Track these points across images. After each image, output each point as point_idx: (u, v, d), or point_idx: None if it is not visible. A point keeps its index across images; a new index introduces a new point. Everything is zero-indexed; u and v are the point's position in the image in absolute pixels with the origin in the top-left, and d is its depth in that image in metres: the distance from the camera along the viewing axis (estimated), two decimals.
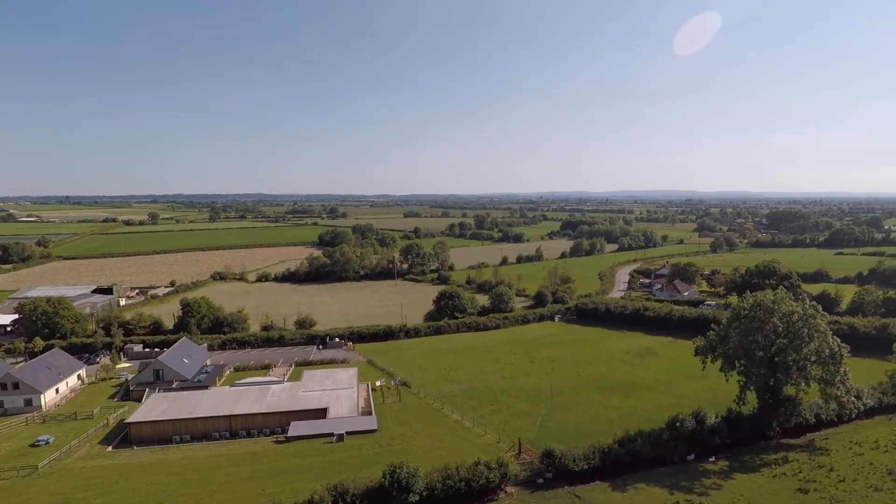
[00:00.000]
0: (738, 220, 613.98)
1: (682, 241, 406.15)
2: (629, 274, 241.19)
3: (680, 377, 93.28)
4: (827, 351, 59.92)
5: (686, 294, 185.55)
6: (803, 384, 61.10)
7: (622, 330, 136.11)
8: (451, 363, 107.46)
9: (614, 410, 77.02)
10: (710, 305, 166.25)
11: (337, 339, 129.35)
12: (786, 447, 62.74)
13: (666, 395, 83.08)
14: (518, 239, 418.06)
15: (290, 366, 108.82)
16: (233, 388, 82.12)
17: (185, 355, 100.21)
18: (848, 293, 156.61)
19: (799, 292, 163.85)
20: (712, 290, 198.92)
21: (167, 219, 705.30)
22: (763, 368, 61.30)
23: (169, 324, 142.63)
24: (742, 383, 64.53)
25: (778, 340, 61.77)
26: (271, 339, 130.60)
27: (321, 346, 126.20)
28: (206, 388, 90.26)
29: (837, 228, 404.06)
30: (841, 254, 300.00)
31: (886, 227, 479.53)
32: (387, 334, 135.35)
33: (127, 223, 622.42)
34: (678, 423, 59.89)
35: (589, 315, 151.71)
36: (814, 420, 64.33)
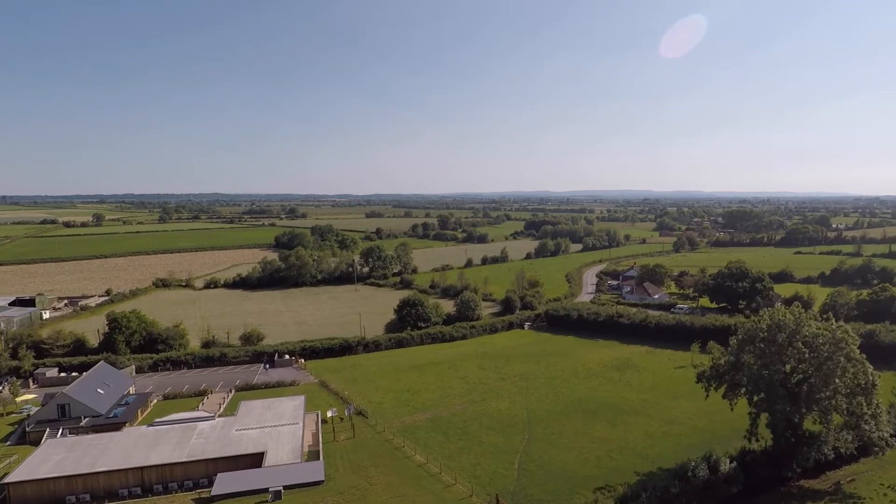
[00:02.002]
0: (696, 220, 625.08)
1: (644, 241, 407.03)
2: (596, 276, 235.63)
3: (666, 396, 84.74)
4: (863, 381, 51.54)
5: (656, 297, 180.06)
6: (834, 418, 52.13)
7: (596, 338, 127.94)
8: (414, 383, 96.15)
9: (601, 444, 67.22)
10: (681, 309, 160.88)
11: (287, 356, 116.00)
12: (810, 494, 53.99)
13: (655, 421, 74.04)
14: (482, 239, 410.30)
15: (230, 391, 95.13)
16: (151, 428, 68.34)
17: (101, 384, 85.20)
18: (817, 294, 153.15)
19: (772, 295, 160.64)
20: (681, 291, 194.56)
21: (114, 220, 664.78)
22: (788, 404, 52.28)
23: (94, 341, 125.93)
24: (753, 415, 55.57)
25: (800, 366, 53.29)
26: (211, 357, 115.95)
27: (268, 366, 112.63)
28: (123, 425, 76.05)
29: (792, 227, 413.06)
30: (799, 253, 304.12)
31: (834, 225, 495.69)
32: (343, 349, 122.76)
33: (67, 225, 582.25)
34: (690, 473, 50.40)
35: (560, 322, 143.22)
36: (832, 455, 55.90)
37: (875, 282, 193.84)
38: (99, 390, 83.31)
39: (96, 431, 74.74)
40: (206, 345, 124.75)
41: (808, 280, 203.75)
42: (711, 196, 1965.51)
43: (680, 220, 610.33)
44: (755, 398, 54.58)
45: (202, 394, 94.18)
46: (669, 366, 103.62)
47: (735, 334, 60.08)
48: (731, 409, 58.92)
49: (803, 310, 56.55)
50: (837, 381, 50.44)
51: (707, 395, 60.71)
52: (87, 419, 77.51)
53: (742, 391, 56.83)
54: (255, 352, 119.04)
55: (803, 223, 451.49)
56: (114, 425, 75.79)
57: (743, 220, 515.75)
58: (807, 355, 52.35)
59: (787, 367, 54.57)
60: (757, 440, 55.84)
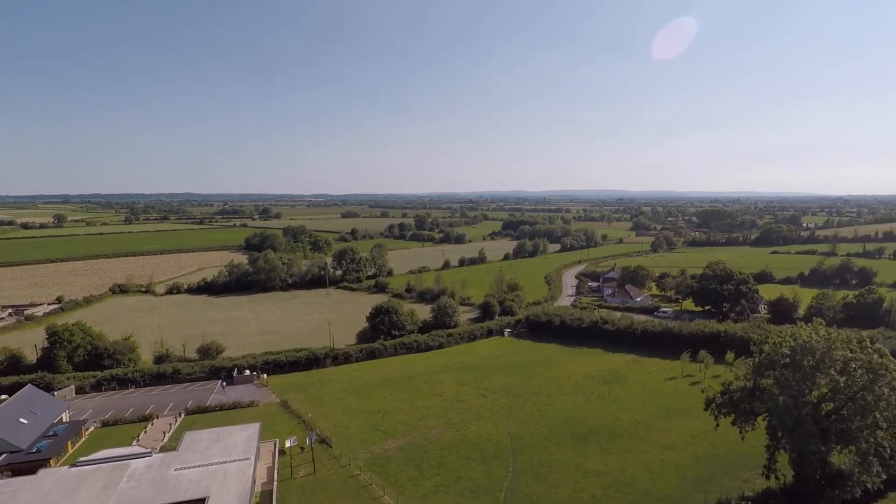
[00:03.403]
0: (670, 219, 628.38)
1: (621, 241, 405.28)
2: (576, 277, 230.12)
3: (660, 415, 77.89)
4: None
5: (639, 300, 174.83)
6: (874, 457, 44.92)
7: (579, 346, 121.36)
8: (385, 402, 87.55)
9: (596, 478, 59.54)
10: (666, 312, 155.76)
11: (248, 372, 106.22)
12: None
13: (653, 447, 66.87)
14: (460, 240, 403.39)
15: (179, 415, 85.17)
16: (73, 469, 58.27)
17: (25, 412, 74.46)
18: (800, 296, 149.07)
19: (757, 298, 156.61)
20: (663, 293, 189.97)
21: (77, 221, 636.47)
22: (824, 444, 45.18)
23: (33, 357, 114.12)
24: (772, 449, 48.60)
25: (827, 394, 46.41)
26: (163, 374, 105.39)
27: (226, 383, 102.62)
28: (47, 461, 65.88)
29: (765, 227, 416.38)
30: (776, 252, 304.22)
31: (805, 224, 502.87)
32: (310, 361, 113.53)
33: (25, 226, 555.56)
34: None
35: (542, 329, 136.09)
36: (860, 493, 49.34)
37: (854, 282, 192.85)
38: (22, 420, 72.62)
39: (14, 471, 64.44)
40: (158, 360, 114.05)
41: (787, 281, 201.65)
42: (683, 196, 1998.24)
43: (655, 219, 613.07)
44: (780, 434, 47.42)
45: (147, 418, 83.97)
46: (659, 377, 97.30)
47: (751, 356, 53.19)
48: (742, 439, 52.18)
49: (829, 329, 49.84)
50: (877, 414, 43.65)
51: (717, 425, 53.75)
52: (3, 456, 66.99)
53: (758, 420, 49.78)
54: (212, 367, 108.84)
55: (776, 222, 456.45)
56: (36, 462, 65.53)
57: (717, 220, 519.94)
58: (841, 384, 45.37)
59: (814, 395, 47.83)
60: (777, 478, 48.97)
